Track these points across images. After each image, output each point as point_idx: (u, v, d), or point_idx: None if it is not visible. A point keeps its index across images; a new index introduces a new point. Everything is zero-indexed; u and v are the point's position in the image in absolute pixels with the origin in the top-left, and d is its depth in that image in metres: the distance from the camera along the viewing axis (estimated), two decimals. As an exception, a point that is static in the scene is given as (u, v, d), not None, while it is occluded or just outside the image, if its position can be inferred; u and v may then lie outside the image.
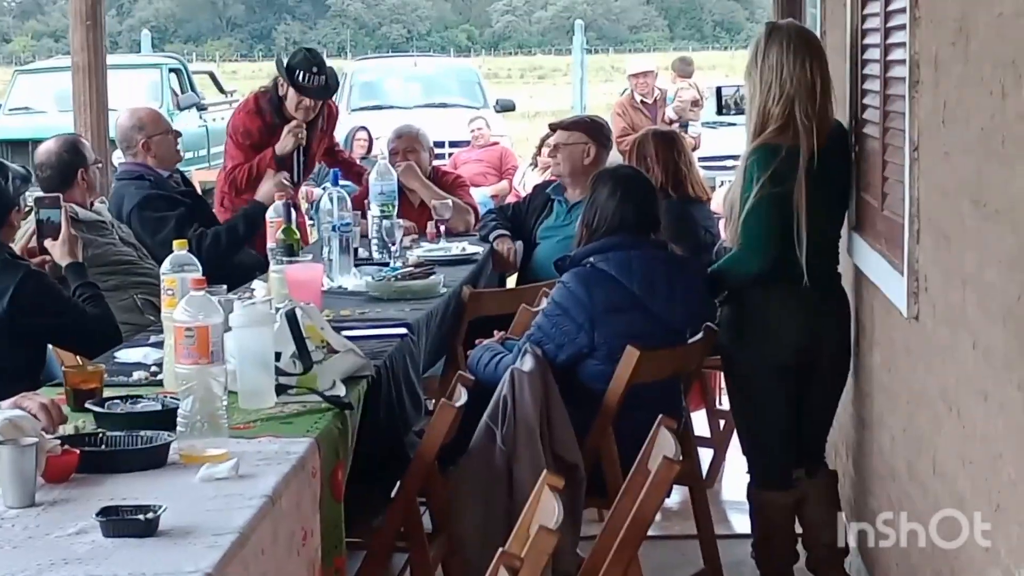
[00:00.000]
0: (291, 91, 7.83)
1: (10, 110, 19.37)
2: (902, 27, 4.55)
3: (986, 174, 3.41)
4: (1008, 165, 3.17)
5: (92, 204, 6.49)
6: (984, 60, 3.44)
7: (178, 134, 7.35)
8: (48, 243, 5.71)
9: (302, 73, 7.79)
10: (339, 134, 13.69)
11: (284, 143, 7.79)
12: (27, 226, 5.99)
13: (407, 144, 8.26)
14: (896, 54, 4.73)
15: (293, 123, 7.79)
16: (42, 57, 44.67)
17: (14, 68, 28.35)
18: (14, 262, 5.42)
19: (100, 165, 6.74)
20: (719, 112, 14.38)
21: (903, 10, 4.53)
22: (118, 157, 8.21)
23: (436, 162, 8.72)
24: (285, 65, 7.87)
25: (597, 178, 5.61)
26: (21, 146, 16.36)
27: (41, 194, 5.99)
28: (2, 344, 5.32)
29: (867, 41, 5.44)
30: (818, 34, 6.47)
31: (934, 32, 4.10)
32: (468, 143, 15.09)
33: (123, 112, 7.47)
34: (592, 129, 7.45)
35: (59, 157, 6.38)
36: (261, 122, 7.92)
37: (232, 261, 7.00)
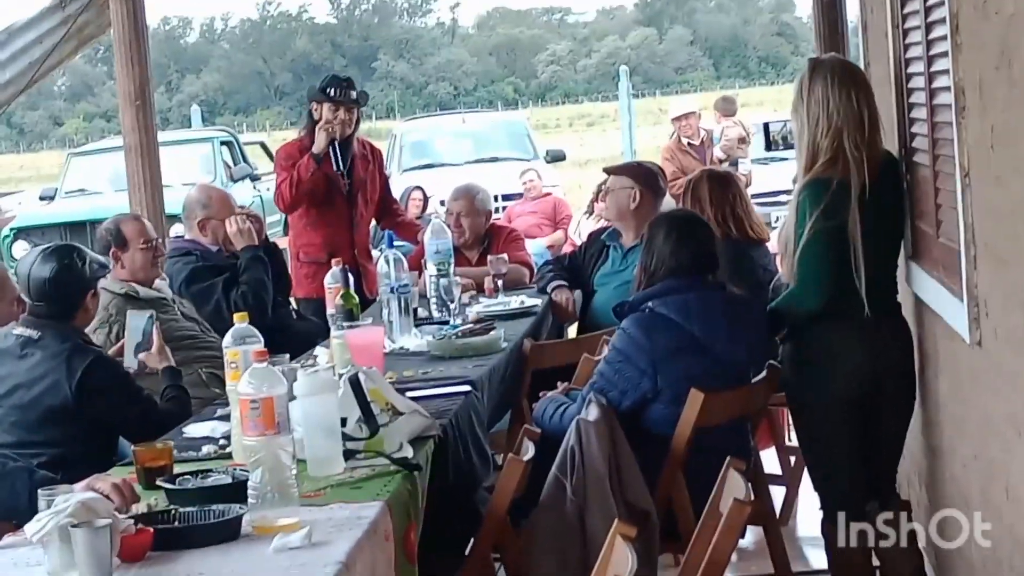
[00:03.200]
0: (325, 107, 8.21)
1: (67, 193, 19.51)
2: (945, 54, 4.55)
3: (1038, 196, 3.41)
4: (1059, 185, 3.17)
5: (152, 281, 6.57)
6: (1028, 82, 3.44)
7: None
8: (143, 356, 5.80)
9: (332, 88, 8.22)
10: (394, 194, 13.85)
11: (318, 140, 8.15)
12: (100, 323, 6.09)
13: (461, 207, 8.31)
14: (940, 81, 4.73)
15: (323, 122, 8.15)
16: (95, 138, 45.12)
17: (67, 151, 28.58)
18: (84, 347, 5.48)
19: (155, 241, 6.81)
20: (768, 148, 14.33)
21: (944, 38, 4.52)
22: (176, 231, 8.33)
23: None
24: (317, 87, 8.31)
25: (654, 222, 5.63)
26: (79, 228, 16.50)
27: (135, 312, 6.06)
28: (72, 428, 5.37)
29: (911, 70, 5.43)
30: (861, 66, 6.47)
31: (977, 57, 4.10)
32: (521, 196, 15.13)
33: (198, 185, 7.70)
34: (639, 174, 7.46)
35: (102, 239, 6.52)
36: (300, 144, 8.34)
37: (293, 329, 7.07)
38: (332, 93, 8.16)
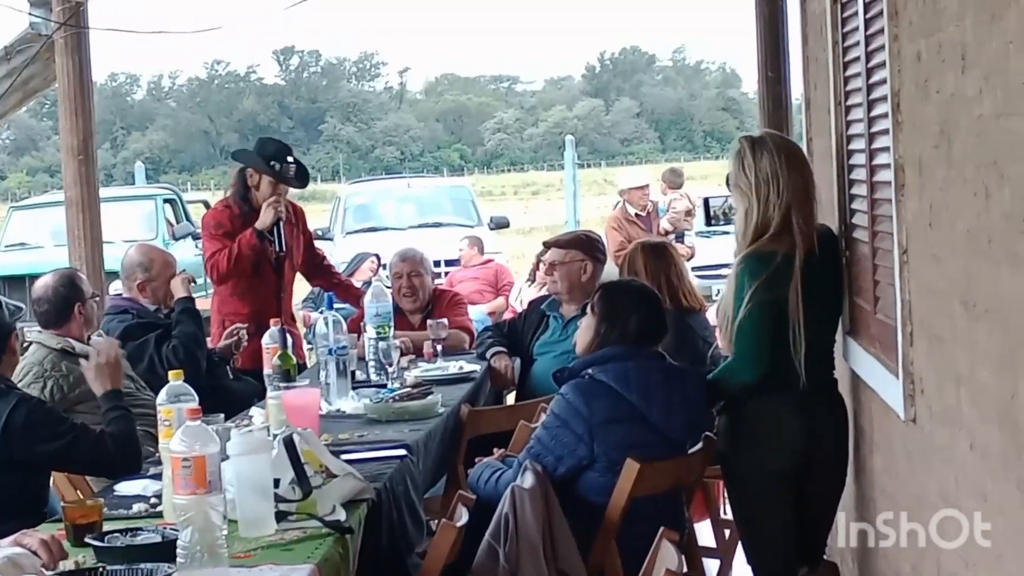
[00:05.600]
0: (264, 180, 7.91)
1: (6, 246, 19.39)
2: (886, 132, 4.59)
3: (974, 275, 3.43)
4: (995, 265, 3.19)
5: (89, 338, 6.51)
6: (967, 162, 3.47)
7: None
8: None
9: (278, 164, 7.91)
10: (341, 258, 13.71)
11: (264, 217, 7.86)
12: None
13: (411, 268, 8.33)
14: (881, 159, 4.77)
15: (271, 199, 7.86)
16: (38, 192, 44.92)
17: (9, 204, 28.41)
18: (7, 391, 5.40)
19: (97, 298, 6.77)
20: (708, 223, 14.41)
21: (885, 115, 4.57)
22: (115, 288, 8.26)
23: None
24: (258, 155, 7.99)
25: (611, 290, 5.61)
26: (19, 282, 16.39)
27: None
28: (2, 476, 5.29)
29: (852, 147, 5.48)
30: (804, 141, 6.53)
31: (917, 136, 4.14)
32: (463, 261, 15.12)
33: (137, 246, 7.58)
34: (588, 246, 7.50)
35: (56, 292, 6.41)
36: (230, 212, 8.05)
37: (230, 389, 7.04)
38: (277, 168, 7.89)
